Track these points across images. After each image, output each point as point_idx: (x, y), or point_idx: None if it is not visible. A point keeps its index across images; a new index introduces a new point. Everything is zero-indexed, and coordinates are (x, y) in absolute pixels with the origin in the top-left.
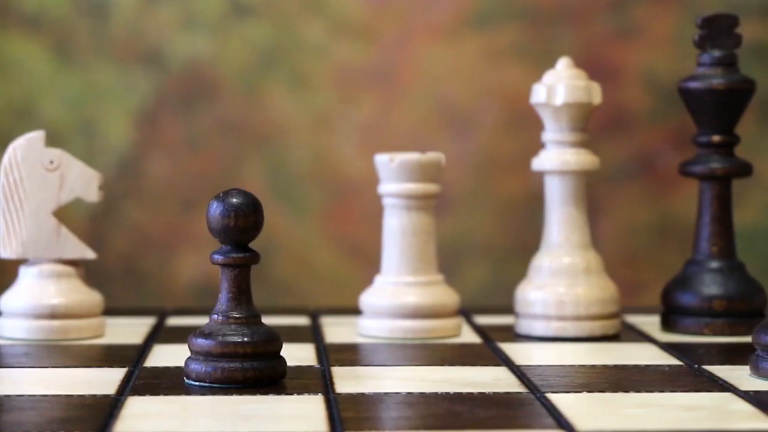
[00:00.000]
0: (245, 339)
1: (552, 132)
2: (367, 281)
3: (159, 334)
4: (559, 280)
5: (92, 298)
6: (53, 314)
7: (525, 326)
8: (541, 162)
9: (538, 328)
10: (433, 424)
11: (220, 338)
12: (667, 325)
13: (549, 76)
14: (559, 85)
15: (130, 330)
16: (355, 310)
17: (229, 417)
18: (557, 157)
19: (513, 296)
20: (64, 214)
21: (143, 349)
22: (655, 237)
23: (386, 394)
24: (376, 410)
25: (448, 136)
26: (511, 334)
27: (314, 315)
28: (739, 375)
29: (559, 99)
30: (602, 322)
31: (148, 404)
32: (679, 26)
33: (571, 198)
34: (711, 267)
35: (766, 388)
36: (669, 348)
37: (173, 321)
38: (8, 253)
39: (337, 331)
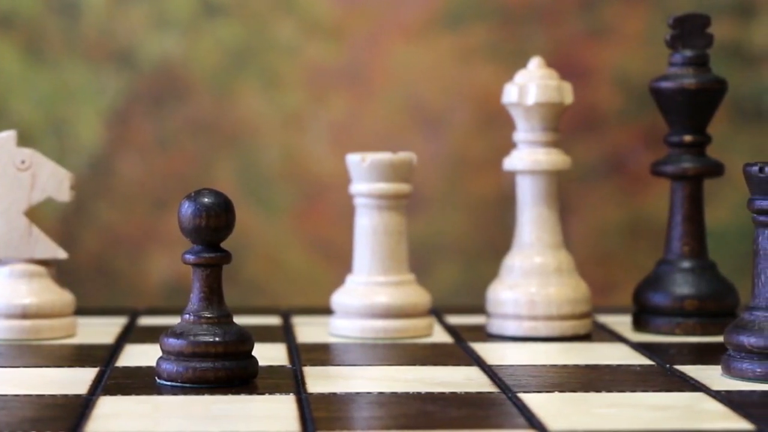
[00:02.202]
0: (217, 339)
1: (523, 132)
2: (339, 281)
3: (130, 334)
4: (531, 280)
5: (64, 297)
6: (24, 314)
7: (496, 326)
8: (513, 162)
9: (510, 328)
10: (405, 424)
11: (191, 338)
12: (639, 324)
13: (520, 76)
14: (530, 85)
15: (101, 330)
16: (326, 310)
17: (200, 417)
18: (529, 156)
19: (484, 296)
20: (35, 214)
21: (115, 349)
22: (626, 237)
23: (358, 393)
24: (348, 410)
25: (420, 135)
26: (482, 333)
27: (286, 315)
28: (711, 375)
29: (531, 99)
30: (574, 322)
31: (120, 404)
32: (650, 26)
33: (542, 198)
34: (682, 267)
35: (738, 388)
36: (641, 348)
37: (145, 321)
38: None
39: (308, 330)
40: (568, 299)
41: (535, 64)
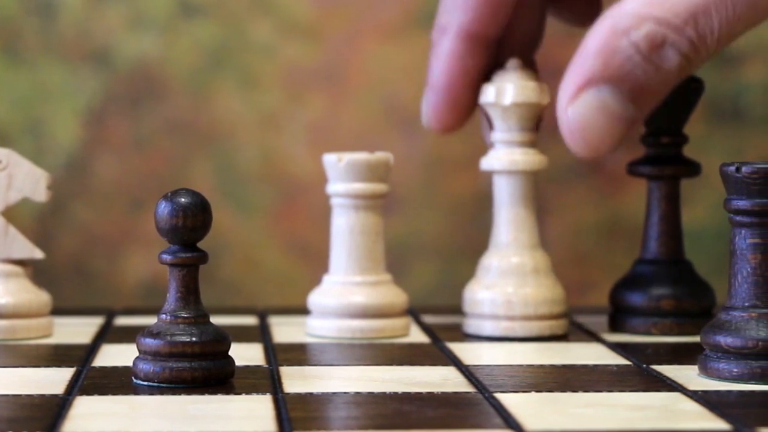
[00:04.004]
0: (193, 339)
1: (501, 132)
2: (315, 281)
3: (107, 334)
4: (508, 280)
5: (40, 297)
6: (0, 314)
7: (474, 326)
8: (490, 162)
9: (487, 328)
10: (382, 423)
11: (168, 338)
12: (615, 324)
13: (498, 76)
14: (508, 85)
15: (78, 330)
16: (303, 310)
17: (177, 417)
18: (506, 156)
19: (461, 296)
20: (11, 214)
21: (91, 349)
22: (603, 237)
23: (334, 393)
24: (325, 410)
25: (397, 135)
26: (459, 333)
27: (262, 315)
28: (688, 375)
29: (508, 99)
30: (550, 322)
31: (97, 404)
32: None
33: (519, 198)
34: (659, 267)
35: (714, 387)
36: (617, 348)
37: (121, 321)
38: None
39: (285, 330)
40: (545, 299)
41: (512, 64)
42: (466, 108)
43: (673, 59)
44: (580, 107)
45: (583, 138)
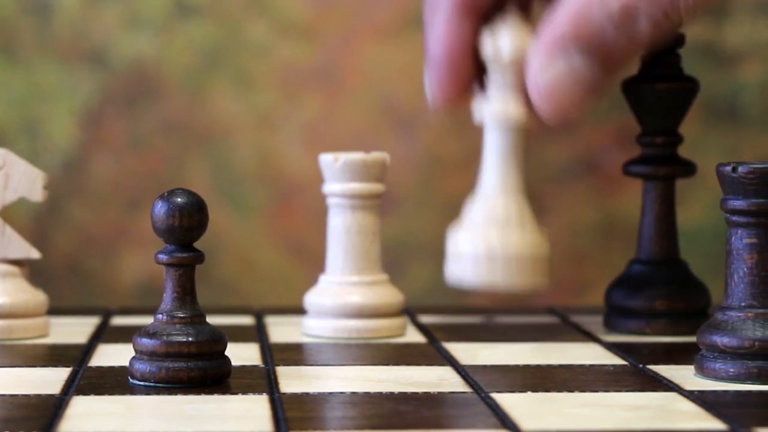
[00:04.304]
0: (190, 339)
1: (496, 85)
2: (312, 281)
3: (103, 334)
4: (491, 228)
5: (37, 297)
6: None
7: (456, 272)
8: (481, 112)
9: (468, 272)
10: (378, 423)
11: (164, 338)
12: (610, 324)
13: (496, 32)
14: (504, 40)
15: (74, 329)
16: (299, 310)
17: (173, 417)
18: (499, 108)
19: (456, 293)
20: (8, 214)
21: (88, 349)
22: (599, 236)
23: (331, 393)
24: (321, 410)
25: (393, 135)
26: (456, 333)
27: (258, 315)
28: (684, 375)
29: (505, 54)
30: (532, 268)
31: (93, 404)
32: None
33: (508, 150)
34: (654, 267)
35: (711, 387)
36: (613, 348)
37: (118, 320)
38: None
39: (281, 330)
40: (526, 244)
41: (511, 16)
42: (468, 77)
43: (645, 29)
44: (550, 71)
45: (551, 101)
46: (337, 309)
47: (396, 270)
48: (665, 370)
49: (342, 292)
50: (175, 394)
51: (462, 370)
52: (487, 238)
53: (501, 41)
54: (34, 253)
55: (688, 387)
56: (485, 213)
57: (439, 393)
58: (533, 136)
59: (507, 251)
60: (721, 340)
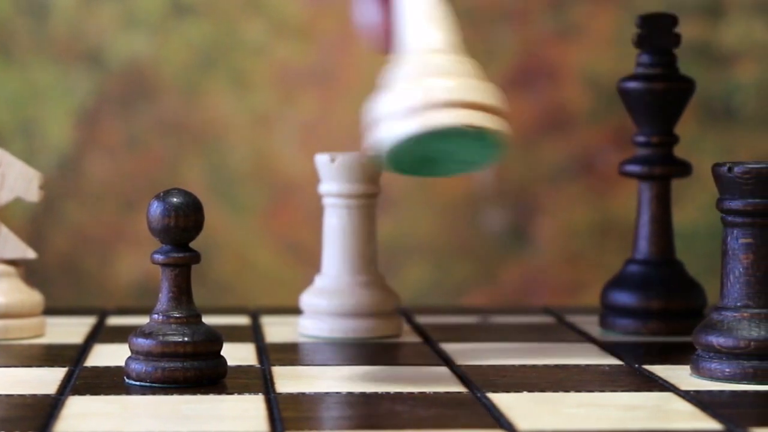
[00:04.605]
0: (186, 339)
1: None
2: (308, 281)
3: (99, 334)
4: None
5: (32, 297)
6: None
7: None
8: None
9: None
10: (374, 423)
11: (160, 338)
12: (606, 324)
13: None
14: None
15: (70, 329)
16: (295, 310)
17: (169, 417)
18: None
19: (452, 293)
20: (4, 214)
21: (84, 349)
22: (595, 236)
23: (327, 393)
24: (317, 410)
25: None
26: (452, 333)
27: (254, 315)
28: (680, 375)
29: None
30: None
31: (89, 404)
32: (618, 25)
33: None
34: (649, 267)
35: (707, 388)
36: (609, 347)
37: (114, 320)
38: None
39: (277, 330)
40: (480, 86)
41: None
42: None
43: None
44: None
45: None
46: (332, 309)
47: (392, 270)
48: (661, 370)
49: (338, 292)
50: (171, 394)
51: (458, 370)
52: (434, 85)
53: None
54: (30, 253)
55: (683, 387)
56: (420, 67)
57: (435, 393)
58: (529, 136)
59: (463, 93)
60: (717, 340)
